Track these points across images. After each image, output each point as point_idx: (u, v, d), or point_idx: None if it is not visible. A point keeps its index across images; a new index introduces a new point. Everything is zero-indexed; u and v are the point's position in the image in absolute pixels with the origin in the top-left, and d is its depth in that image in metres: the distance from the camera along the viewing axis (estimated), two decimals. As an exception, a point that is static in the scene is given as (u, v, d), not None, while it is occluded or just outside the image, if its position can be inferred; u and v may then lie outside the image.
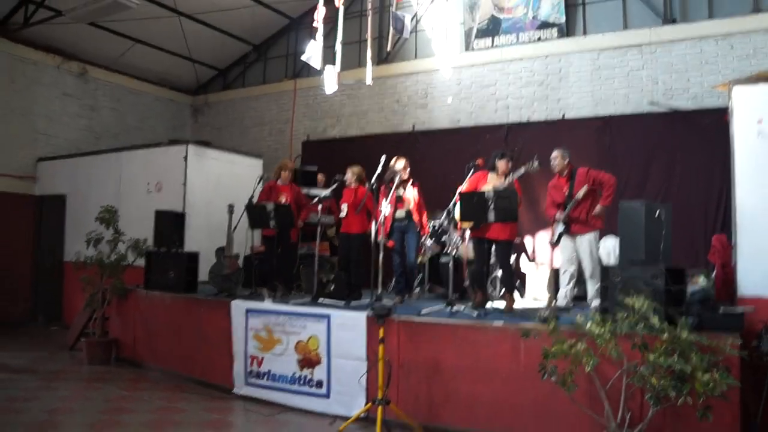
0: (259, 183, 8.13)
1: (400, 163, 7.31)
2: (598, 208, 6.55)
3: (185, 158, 9.73)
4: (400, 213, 7.36)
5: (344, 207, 7.53)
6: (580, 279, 6.89)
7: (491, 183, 6.63)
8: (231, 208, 7.89)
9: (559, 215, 6.68)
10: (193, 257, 7.99)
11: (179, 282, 7.73)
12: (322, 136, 12.02)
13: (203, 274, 8.07)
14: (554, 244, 6.81)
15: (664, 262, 4.88)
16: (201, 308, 7.24)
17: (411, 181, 7.43)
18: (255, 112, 13.36)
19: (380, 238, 6.92)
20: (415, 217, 7.39)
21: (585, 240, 6.64)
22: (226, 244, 7.83)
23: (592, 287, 6.57)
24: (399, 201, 7.36)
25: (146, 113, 13.34)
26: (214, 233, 9.10)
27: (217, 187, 9.98)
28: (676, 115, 8.80)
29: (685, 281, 5.03)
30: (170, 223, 8.09)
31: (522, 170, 6.53)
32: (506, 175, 6.67)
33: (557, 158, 6.80)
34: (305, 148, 12.00)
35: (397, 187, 7.24)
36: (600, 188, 6.61)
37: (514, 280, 7.32)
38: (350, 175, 7.58)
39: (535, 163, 6.51)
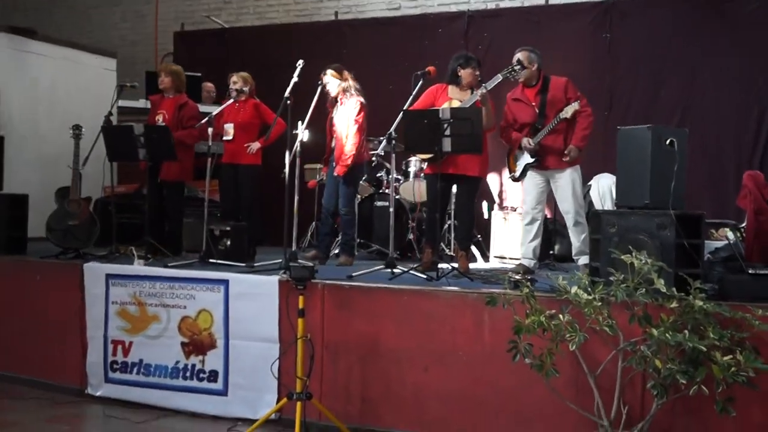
0: (118, 94, 8.28)
1: (329, 80, 7.67)
2: (571, 147, 6.80)
3: (-6, 54, 9.72)
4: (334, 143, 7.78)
5: (229, 128, 7.97)
6: (546, 233, 7.34)
7: (454, 100, 6.95)
8: (77, 131, 7.98)
9: (527, 142, 6.95)
10: (19, 202, 8.08)
11: (-3, 239, 7.84)
12: (204, 26, 12.09)
13: (36, 227, 8.17)
14: (517, 178, 7.18)
15: (675, 208, 5.17)
16: (36, 275, 7.39)
17: (342, 97, 7.73)
18: (98, -16, 13.24)
19: (322, 175, 7.37)
20: (337, 148, 7.70)
21: (565, 177, 6.93)
22: (72, 183, 7.92)
23: (577, 238, 6.94)
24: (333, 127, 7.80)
25: None
26: (48, 167, 9.25)
27: (49, 98, 10.04)
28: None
29: (702, 233, 5.38)
30: (-21, 152, 8.14)
31: (498, 77, 6.78)
32: (472, 89, 7.00)
33: (523, 62, 6.97)
34: (179, 43, 12.08)
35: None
36: (575, 116, 6.90)
37: (474, 233, 7.81)
38: (239, 83, 8.01)
39: (516, 67, 6.81)
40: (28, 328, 7.33)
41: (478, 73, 7.10)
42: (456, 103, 6.90)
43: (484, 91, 6.78)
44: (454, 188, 7.48)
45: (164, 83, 8.18)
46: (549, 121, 6.92)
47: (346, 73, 7.72)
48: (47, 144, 9.53)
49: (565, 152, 6.83)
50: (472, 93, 6.94)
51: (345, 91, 7.69)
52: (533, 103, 7.01)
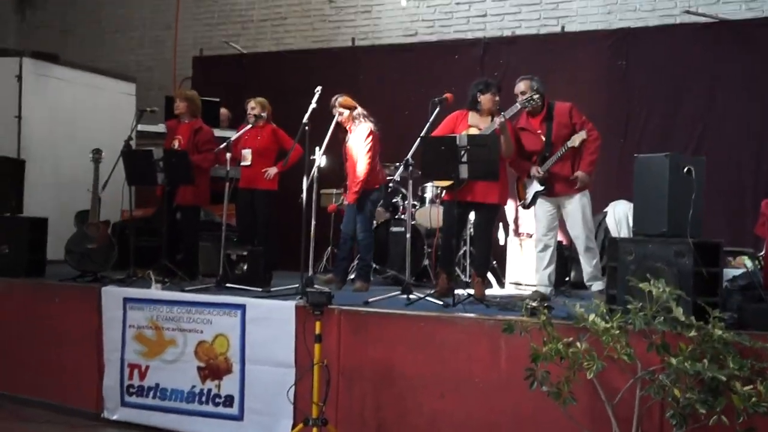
0: (138, 119, 8.34)
1: (339, 111, 7.71)
2: (579, 174, 6.82)
3: (19, 78, 9.77)
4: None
5: (247, 153, 8.03)
6: (561, 259, 7.36)
7: (473, 126, 6.94)
8: (97, 156, 8.00)
9: (536, 171, 6.97)
10: (39, 225, 8.11)
11: (18, 261, 7.85)
12: (222, 51, 12.15)
13: (54, 250, 8.22)
14: (527, 206, 7.20)
15: (693, 236, 5.14)
16: (54, 298, 7.41)
17: (351, 125, 7.77)
18: (118, 10, 13.34)
19: (343, 199, 7.56)
20: (350, 175, 7.80)
21: (574, 202, 6.94)
22: (91, 207, 7.96)
23: (588, 264, 6.95)
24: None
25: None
26: (66, 191, 9.33)
27: (69, 122, 10.10)
28: (724, 27, 9.21)
29: (721, 262, 5.33)
30: (2, 176, 8.17)
31: (517, 106, 6.83)
32: (492, 114, 6.94)
33: (526, 92, 6.96)
34: (197, 68, 12.16)
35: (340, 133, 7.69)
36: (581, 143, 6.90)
37: (491, 260, 7.80)
38: (258, 109, 8.09)
39: (535, 96, 6.82)
40: (46, 350, 7.34)
41: (497, 98, 7.04)
42: (475, 130, 6.89)
43: (503, 120, 6.78)
44: (472, 215, 7.45)
45: (180, 108, 8.25)
46: (556, 149, 6.93)
47: (353, 101, 7.75)
48: (66, 168, 9.60)
49: (572, 179, 6.85)
50: (492, 120, 6.90)
51: (354, 119, 7.72)
52: (539, 131, 7.02)
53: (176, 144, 8.09)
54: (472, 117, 7.05)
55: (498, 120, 6.79)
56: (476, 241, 7.67)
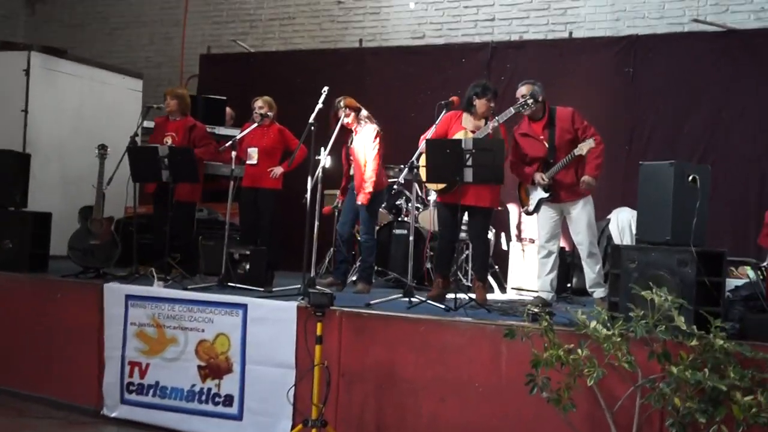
0: (145, 116, 8.36)
1: (344, 112, 7.72)
2: (586, 179, 6.76)
3: (26, 72, 9.76)
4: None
5: (253, 152, 8.01)
6: (563, 265, 7.37)
7: (467, 128, 6.94)
8: (103, 151, 8.00)
9: (541, 178, 6.92)
10: (43, 220, 8.11)
11: (21, 256, 7.85)
12: (230, 49, 12.17)
13: (57, 245, 8.21)
14: (531, 213, 7.16)
15: (696, 245, 5.12)
16: (56, 294, 7.41)
17: (357, 126, 7.79)
18: (127, 6, 13.40)
19: (338, 201, 7.48)
20: (357, 177, 7.79)
21: (578, 209, 6.91)
22: (95, 202, 7.94)
23: (591, 270, 6.92)
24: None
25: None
26: (72, 186, 9.31)
27: (75, 117, 10.09)
28: (732, 36, 9.23)
29: (724, 271, 5.30)
30: (7, 170, 8.15)
31: (511, 111, 6.81)
32: (486, 118, 6.96)
33: (536, 96, 6.91)
34: (205, 65, 12.19)
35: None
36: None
37: (489, 263, 7.79)
38: (265, 108, 8.07)
39: (530, 101, 6.80)
40: (47, 346, 7.33)
41: (492, 104, 7.04)
42: (468, 133, 6.88)
43: (496, 124, 6.80)
44: (466, 218, 7.44)
45: (170, 106, 8.26)
46: (560, 155, 6.90)
47: (357, 103, 7.78)
48: (72, 163, 9.61)
49: (579, 186, 6.82)
50: (485, 123, 6.92)
51: (360, 120, 7.75)
52: (541, 137, 6.98)
53: (169, 141, 8.06)
54: (466, 119, 7.05)
55: (491, 124, 6.80)
56: (473, 246, 7.66)
